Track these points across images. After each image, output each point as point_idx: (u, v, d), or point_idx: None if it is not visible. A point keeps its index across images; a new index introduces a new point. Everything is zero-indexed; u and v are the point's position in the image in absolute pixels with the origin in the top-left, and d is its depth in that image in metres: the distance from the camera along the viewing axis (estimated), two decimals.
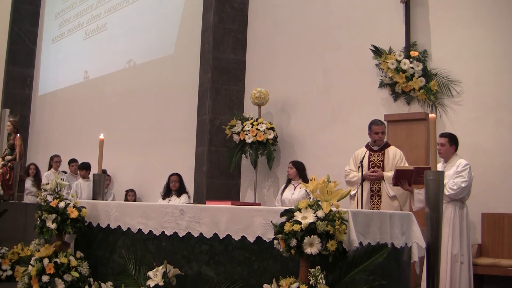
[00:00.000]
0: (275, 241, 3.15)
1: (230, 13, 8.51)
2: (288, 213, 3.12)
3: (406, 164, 5.50)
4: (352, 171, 5.66)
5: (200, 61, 8.69)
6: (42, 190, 4.61)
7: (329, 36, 7.62)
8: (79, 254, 4.37)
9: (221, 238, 3.59)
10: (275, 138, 7.71)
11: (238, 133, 7.75)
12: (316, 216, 3.02)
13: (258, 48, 8.45)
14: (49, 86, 12.89)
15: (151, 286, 3.66)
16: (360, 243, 3.13)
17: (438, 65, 6.51)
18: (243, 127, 7.72)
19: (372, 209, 5.41)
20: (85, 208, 4.43)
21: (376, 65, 6.91)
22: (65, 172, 9.60)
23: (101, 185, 5.01)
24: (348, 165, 5.77)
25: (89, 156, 8.76)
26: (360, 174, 5.31)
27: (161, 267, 3.72)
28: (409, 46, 6.65)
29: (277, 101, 7.94)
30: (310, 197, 3.19)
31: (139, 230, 4.08)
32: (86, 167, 9.00)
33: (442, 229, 3.71)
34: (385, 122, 6.28)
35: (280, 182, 7.70)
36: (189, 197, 7.85)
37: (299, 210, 3.08)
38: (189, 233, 3.76)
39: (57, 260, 4.24)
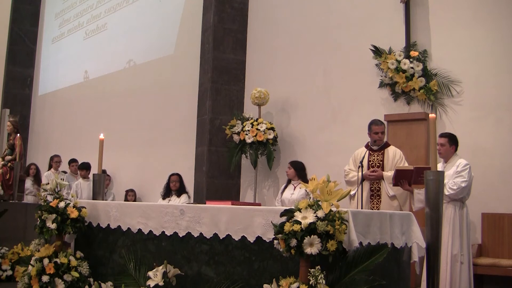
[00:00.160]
0: (275, 241, 3.15)
1: (230, 13, 8.51)
2: (288, 213, 3.12)
3: (406, 164, 5.50)
4: (351, 171, 5.66)
5: (200, 61, 8.69)
6: (42, 190, 4.61)
7: (329, 36, 7.62)
8: (79, 254, 4.37)
9: (221, 238, 3.59)
10: (275, 138, 7.72)
11: (238, 133, 7.75)
12: (316, 216, 3.02)
13: (258, 48, 8.45)
14: (49, 86, 12.89)
15: (151, 286, 3.66)
16: (360, 243, 3.13)
17: (438, 65, 6.51)
18: (243, 127, 7.72)
19: (372, 209, 5.41)
20: (85, 208, 4.43)
21: (376, 65, 6.91)
22: (65, 172, 9.60)
23: (101, 185, 5.01)
24: (347, 164, 5.77)
25: (89, 156, 8.76)
26: (360, 174, 5.31)
27: (161, 267, 3.72)
28: (409, 46, 6.65)
29: (277, 101, 7.94)
30: (310, 197, 3.19)
31: (139, 230, 4.08)
32: (86, 167, 9.00)
33: (442, 229, 3.71)
34: (385, 122, 6.28)
35: (280, 182, 7.70)
36: (189, 197, 7.85)
37: (299, 210, 3.08)
38: (189, 233, 3.76)
39: (57, 260, 4.24)
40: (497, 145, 6.04)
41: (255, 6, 8.61)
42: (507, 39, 6.12)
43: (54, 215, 4.30)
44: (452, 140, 5.19)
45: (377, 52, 6.84)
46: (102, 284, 4.14)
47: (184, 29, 9.55)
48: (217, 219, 3.62)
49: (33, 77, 13.34)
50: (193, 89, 8.77)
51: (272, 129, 7.71)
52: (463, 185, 4.96)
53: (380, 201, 5.51)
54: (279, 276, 3.15)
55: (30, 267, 4.29)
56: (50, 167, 9.70)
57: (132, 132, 10.03)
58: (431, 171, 3.69)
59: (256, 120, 7.76)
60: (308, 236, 2.96)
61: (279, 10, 8.28)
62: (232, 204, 3.81)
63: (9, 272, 5.63)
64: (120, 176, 10.12)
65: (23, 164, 8.51)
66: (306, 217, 3.02)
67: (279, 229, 3.09)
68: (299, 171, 6.50)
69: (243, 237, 3.48)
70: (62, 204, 4.34)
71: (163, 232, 3.91)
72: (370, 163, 5.62)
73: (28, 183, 9.24)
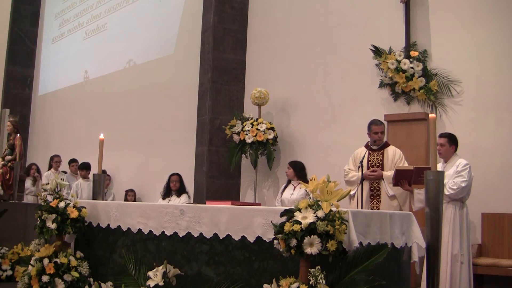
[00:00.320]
0: (275, 241, 3.15)
1: (230, 13, 8.51)
2: (288, 213, 3.12)
3: (406, 164, 5.50)
4: (351, 171, 5.67)
5: (200, 61, 8.69)
6: (42, 190, 4.61)
7: (329, 36, 7.62)
8: (79, 254, 4.37)
9: (221, 238, 3.59)
10: (275, 138, 7.72)
11: (238, 133, 7.75)
12: (316, 216, 3.02)
13: (258, 48, 8.45)
14: (49, 86, 12.89)
15: (151, 286, 3.66)
16: (360, 243, 3.13)
17: (438, 65, 6.51)
18: (243, 127, 7.72)
19: (372, 209, 5.41)
20: (85, 208, 4.43)
21: (376, 65, 6.91)
22: (65, 172, 9.60)
23: (101, 185, 5.02)
24: (347, 164, 5.78)
25: (89, 156, 8.76)
26: (359, 173, 5.31)
27: (161, 267, 3.72)
28: (409, 46, 6.65)
29: (277, 101, 7.95)
30: (310, 197, 3.19)
31: (139, 230, 4.08)
32: (86, 167, 9.00)
33: (442, 229, 3.71)
34: (385, 122, 6.28)
35: (280, 182, 7.70)
36: (189, 197, 7.85)
37: (299, 210, 3.08)
38: (189, 233, 3.76)
39: (57, 260, 4.24)
40: (497, 145, 6.04)
41: (255, 6, 8.60)
42: (507, 39, 6.12)
43: (54, 215, 4.30)
44: (451, 140, 5.19)
45: (377, 52, 6.84)
46: (102, 284, 4.15)
47: (184, 29, 9.55)
48: (217, 219, 3.62)
49: (33, 77, 13.34)
50: (193, 89, 8.76)
51: (272, 129, 7.71)
52: (463, 185, 4.96)
53: (380, 201, 5.52)
54: (279, 276, 3.15)
55: (30, 267, 4.29)
56: (50, 167, 9.70)
57: (132, 132, 10.03)
58: (431, 171, 3.69)
59: (256, 120, 7.76)
60: (308, 236, 2.96)
61: (279, 10, 8.28)
62: (232, 204, 3.81)
63: (9, 272, 5.63)
64: (120, 176, 10.12)
65: (23, 164, 8.51)
66: (306, 217, 3.02)
67: (279, 229, 3.09)
68: (299, 172, 6.50)
69: (243, 237, 3.48)
70: (62, 204, 4.34)
71: (163, 232, 3.91)
72: (369, 163, 5.62)
73: (28, 183, 9.25)
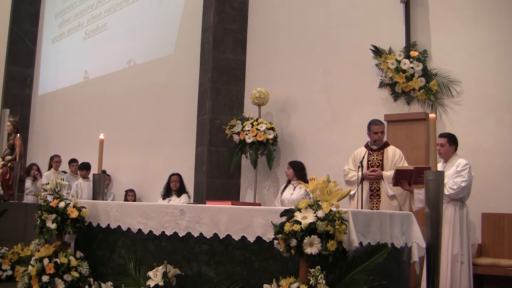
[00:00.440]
0: (275, 241, 3.15)
1: (230, 13, 8.51)
2: (288, 213, 3.12)
3: (406, 164, 5.50)
4: (351, 171, 5.67)
5: (200, 61, 8.69)
6: (42, 190, 4.61)
7: (329, 36, 7.62)
8: (79, 254, 4.37)
9: (221, 238, 3.59)
10: (275, 138, 7.72)
11: (238, 133, 7.75)
12: (316, 216, 3.02)
13: (258, 48, 8.45)
14: (49, 86, 12.89)
15: (151, 286, 3.66)
16: (360, 243, 3.13)
17: (438, 65, 6.51)
18: (243, 127, 7.72)
19: (372, 209, 5.41)
20: (85, 208, 4.43)
21: (376, 65, 6.91)
22: (65, 172, 9.60)
23: (101, 185, 5.02)
24: (347, 164, 5.78)
25: (89, 156, 8.76)
26: (359, 173, 5.31)
27: (161, 267, 3.72)
28: (409, 46, 6.65)
29: (277, 101, 7.95)
30: (310, 197, 3.19)
31: (139, 230, 4.08)
32: (86, 167, 9.01)
33: (442, 229, 3.71)
34: (385, 122, 6.28)
35: (280, 182, 7.70)
36: (189, 197, 7.85)
37: (299, 210, 3.08)
38: (189, 233, 3.76)
39: (57, 260, 4.24)
40: (497, 145, 6.04)
41: (255, 6, 8.61)
42: (507, 39, 6.12)
43: (54, 215, 4.30)
44: (451, 140, 5.19)
45: (377, 52, 6.84)
46: (102, 284, 4.15)
47: (184, 29, 9.55)
48: (217, 219, 3.62)
49: (33, 77, 13.34)
50: (193, 89, 8.77)
51: (272, 129, 7.71)
52: (463, 184, 4.96)
53: (380, 201, 5.52)
54: (279, 276, 3.15)
55: (30, 267, 4.29)
56: (50, 167, 9.70)
57: (132, 132, 10.03)
58: (431, 171, 3.69)
59: (256, 120, 7.76)
60: (308, 236, 2.96)
61: (279, 10, 8.28)
62: (232, 204, 3.81)
63: (9, 272, 5.63)
64: (120, 176, 10.12)
65: (23, 164, 8.51)
66: (306, 217, 3.02)
67: (279, 229, 3.09)
68: (298, 172, 6.49)
69: (243, 237, 3.48)
70: (62, 204, 4.34)
71: (163, 232, 3.91)
72: (369, 162, 5.62)
73: (28, 183, 9.25)
